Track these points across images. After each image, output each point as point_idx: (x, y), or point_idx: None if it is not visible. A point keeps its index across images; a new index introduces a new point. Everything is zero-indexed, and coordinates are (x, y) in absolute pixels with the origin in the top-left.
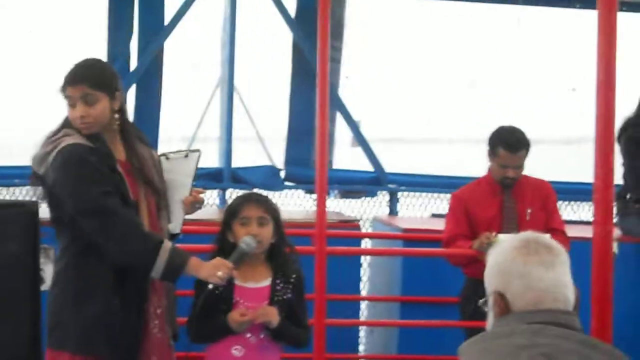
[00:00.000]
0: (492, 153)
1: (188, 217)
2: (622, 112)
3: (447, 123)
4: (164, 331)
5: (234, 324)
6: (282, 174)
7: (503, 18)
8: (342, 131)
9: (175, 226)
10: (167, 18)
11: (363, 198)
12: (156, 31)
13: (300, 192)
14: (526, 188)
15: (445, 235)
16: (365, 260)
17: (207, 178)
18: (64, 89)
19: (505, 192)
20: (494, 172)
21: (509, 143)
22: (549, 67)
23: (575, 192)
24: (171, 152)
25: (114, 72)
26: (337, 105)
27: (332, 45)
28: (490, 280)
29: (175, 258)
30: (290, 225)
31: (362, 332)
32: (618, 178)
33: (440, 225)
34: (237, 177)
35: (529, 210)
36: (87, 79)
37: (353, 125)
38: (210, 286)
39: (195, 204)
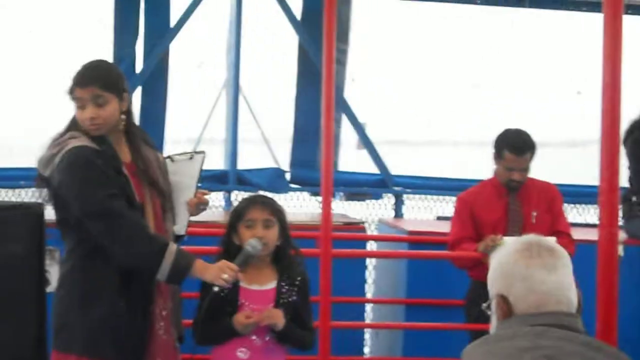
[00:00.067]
0: (498, 156)
1: (193, 219)
2: (628, 115)
3: (452, 125)
4: (169, 333)
5: (240, 326)
6: (288, 176)
7: (509, 21)
8: (347, 133)
9: (180, 228)
10: (173, 20)
11: (368, 200)
12: (162, 33)
13: (306, 194)
14: (532, 191)
15: (450, 238)
16: (370, 262)
17: (213, 180)
18: (72, 90)
19: (511, 194)
20: (500, 175)
21: (514, 146)
22: (555, 70)
23: (580, 194)
24: (176, 154)
25: (122, 73)
26: (343, 107)
27: (338, 47)
28: (493, 283)
29: (180, 260)
30: (296, 228)
31: (367, 334)
32: (623, 181)
33: (445, 227)
34: (243, 179)
35: (534, 213)
36: (97, 81)
37: (358, 128)
38: (216, 289)
39: (199, 205)
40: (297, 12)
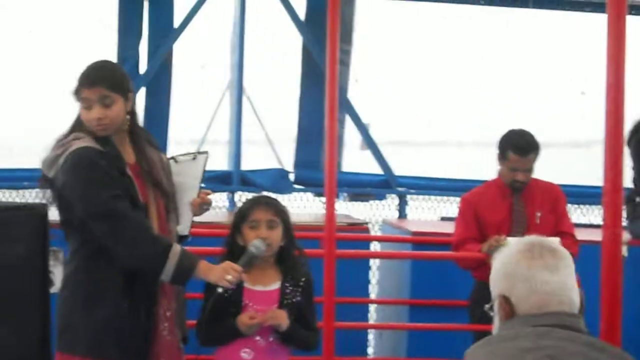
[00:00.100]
0: (502, 156)
1: (197, 219)
2: (632, 115)
3: (456, 126)
4: (173, 334)
5: (243, 327)
6: (292, 177)
7: (511, 21)
8: (351, 134)
9: (183, 228)
10: (177, 21)
11: (372, 201)
12: (166, 34)
13: (309, 195)
14: (536, 191)
15: (454, 239)
16: (374, 263)
17: (216, 181)
18: (78, 90)
19: (515, 195)
20: (504, 176)
21: (518, 146)
22: (558, 70)
23: (584, 195)
24: (179, 155)
25: (127, 73)
26: (347, 108)
27: (341, 48)
28: (495, 284)
29: (184, 261)
30: (299, 228)
31: (371, 335)
32: (627, 181)
33: (449, 228)
34: (246, 180)
35: (538, 214)
36: (104, 81)
37: (362, 128)
38: (220, 290)
39: (203, 205)
40: (301, 13)
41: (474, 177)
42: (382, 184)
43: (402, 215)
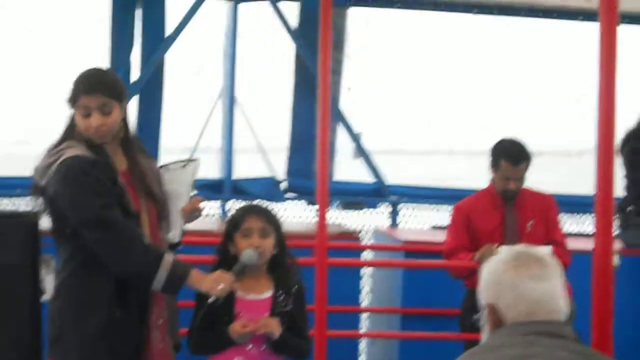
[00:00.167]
0: (494, 165)
1: (189, 227)
2: (624, 124)
3: (448, 135)
4: (165, 342)
5: (236, 336)
6: (283, 186)
7: (507, 29)
8: (343, 143)
9: (174, 235)
10: (169, 29)
11: (364, 209)
12: (158, 42)
13: (302, 203)
14: (528, 200)
15: (446, 247)
16: (365, 272)
17: (208, 189)
18: (76, 98)
19: (507, 204)
20: (496, 184)
21: (510, 155)
22: (550, 80)
23: (576, 204)
24: (171, 163)
25: (122, 81)
26: (339, 116)
27: (334, 56)
28: (483, 294)
29: (176, 270)
30: (291, 237)
31: (363, 343)
32: (620, 190)
33: (441, 237)
34: (238, 188)
35: (530, 223)
36: (104, 88)
37: (354, 137)
38: (211, 299)
39: (193, 212)
40: (293, 21)
41: (466, 186)
42: (374, 193)
43: (393, 223)
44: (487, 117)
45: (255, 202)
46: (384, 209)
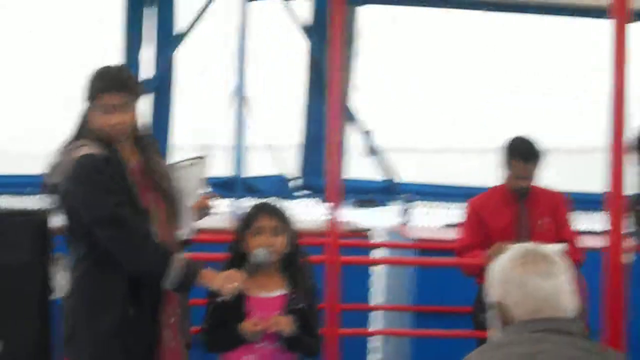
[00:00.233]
0: (506, 163)
1: (200, 225)
2: (636, 122)
3: (460, 132)
4: (177, 340)
5: (248, 334)
6: (295, 183)
7: (518, 25)
8: (354, 140)
9: (184, 233)
10: (180, 27)
11: (376, 207)
12: (169, 40)
13: (313, 201)
14: (539, 198)
15: (458, 244)
16: (377, 270)
17: (219, 187)
18: (96, 95)
19: (519, 201)
20: (508, 182)
21: (521, 153)
22: (563, 77)
23: (587, 201)
24: (179, 162)
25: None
26: (350, 114)
27: (345, 54)
28: (491, 292)
29: (187, 269)
30: (303, 235)
31: (374, 342)
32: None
33: (453, 234)
34: (249, 186)
35: (541, 221)
36: (125, 87)
37: (365, 135)
38: (222, 298)
39: (203, 209)
40: (305, 19)
41: (478, 183)
42: (386, 191)
43: (405, 221)
44: (499, 115)
45: (267, 200)
46: (396, 207)
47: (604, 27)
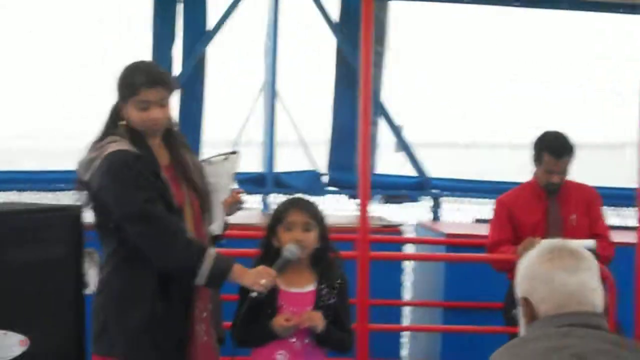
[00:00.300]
0: (537, 158)
1: (231, 221)
2: None
3: (490, 128)
4: (209, 335)
5: (279, 329)
6: (325, 179)
7: (548, 22)
8: (385, 136)
9: (216, 228)
10: (211, 23)
11: (406, 203)
12: (200, 36)
13: (343, 196)
14: (571, 193)
15: (489, 241)
16: (408, 265)
17: (250, 183)
18: (135, 91)
19: (550, 197)
20: (539, 178)
21: (553, 148)
22: (593, 73)
23: (619, 197)
24: (212, 157)
25: None
26: (380, 110)
27: (375, 50)
28: (518, 287)
29: (219, 265)
30: (333, 230)
31: (405, 337)
32: None
33: (483, 230)
34: (280, 182)
35: (573, 216)
36: (164, 82)
37: (396, 130)
38: (253, 294)
39: (235, 204)
40: (335, 15)
41: (508, 179)
42: (416, 186)
43: (436, 217)
44: (530, 110)
45: (298, 195)
46: (426, 202)
47: (634, 22)
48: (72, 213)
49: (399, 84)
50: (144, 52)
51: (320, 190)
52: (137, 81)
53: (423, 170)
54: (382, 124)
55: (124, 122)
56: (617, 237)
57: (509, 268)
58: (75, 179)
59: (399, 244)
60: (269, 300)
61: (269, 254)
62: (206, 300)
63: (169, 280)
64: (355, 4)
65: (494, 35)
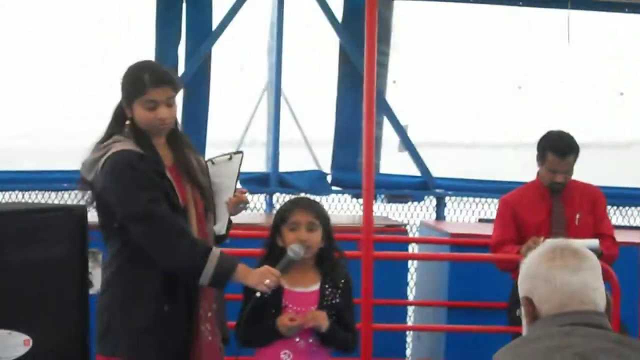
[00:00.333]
0: (541, 158)
1: (235, 221)
2: None
3: (495, 127)
4: (214, 334)
5: (284, 329)
6: (329, 179)
7: (551, 21)
8: (389, 135)
9: (220, 227)
10: (215, 23)
11: (410, 202)
12: (204, 36)
13: (347, 196)
14: (575, 193)
15: (493, 240)
16: (412, 265)
17: (254, 182)
18: (142, 91)
19: (554, 196)
20: (543, 177)
21: (557, 148)
22: (597, 72)
23: (624, 196)
24: (216, 157)
25: None
26: (384, 109)
27: (379, 49)
28: (521, 287)
29: (223, 265)
30: (337, 230)
31: (409, 337)
32: None
33: (487, 230)
34: (284, 182)
35: (577, 215)
36: (171, 82)
37: (400, 130)
38: (258, 294)
39: (239, 204)
40: (339, 15)
41: (512, 178)
42: (420, 186)
43: (440, 216)
44: (534, 110)
45: (303, 195)
46: (430, 202)
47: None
48: (76, 213)
49: (403, 84)
50: (145, 52)
51: (324, 190)
52: (145, 80)
53: (427, 170)
54: (386, 124)
55: (128, 122)
56: (621, 236)
57: (513, 268)
58: (79, 178)
59: (403, 243)
60: (274, 300)
61: (274, 254)
62: (211, 300)
63: (174, 280)
64: (359, 3)
65: (499, 34)
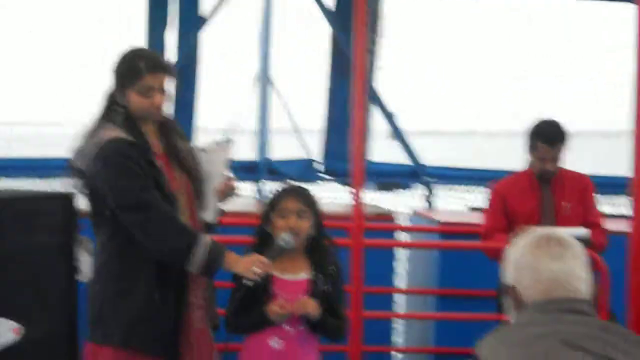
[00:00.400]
0: (531, 146)
1: (225, 208)
2: None
3: (485, 116)
4: (204, 322)
5: (274, 316)
6: (319, 167)
7: (546, 10)
8: (379, 124)
9: (209, 215)
10: (205, 10)
11: (400, 191)
12: (193, 23)
13: (337, 184)
14: (565, 181)
15: (482, 229)
16: (401, 253)
17: (244, 170)
18: (138, 77)
19: (544, 185)
20: (533, 166)
21: (547, 136)
22: (588, 61)
23: (613, 185)
24: (205, 145)
25: None
26: (374, 98)
27: (370, 38)
28: (505, 276)
29: (212, 253)
30: (327, 218)
31: (399, 324)
32: None
33: (477, 218)
34: (273, 170)
35: (567, 204)
36: (166, 68)
37: (390, 118)
38: (247, 282)
39: (227, 191)
40: (329, 3)
41: (503, 167)
42: (410, 174)
43: (430, 205)
44: (525, 99)
45: (293, 183)
46: (420, 191)
47: (626, 11)
48: (65, 200)
49: (393, 72)
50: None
51: (313, 178)
52: (140, 67)
53: (417, 158)
54: (376, 112)
55: (121, 109)
56: (609, 225)
57: (503, 256)
58: (69, 166)
59: (393, 231)
60: (263, 288)
61: (264, 242)
62: (201, 287)
63: (164, 268)
64: None
65: (490, 24)
